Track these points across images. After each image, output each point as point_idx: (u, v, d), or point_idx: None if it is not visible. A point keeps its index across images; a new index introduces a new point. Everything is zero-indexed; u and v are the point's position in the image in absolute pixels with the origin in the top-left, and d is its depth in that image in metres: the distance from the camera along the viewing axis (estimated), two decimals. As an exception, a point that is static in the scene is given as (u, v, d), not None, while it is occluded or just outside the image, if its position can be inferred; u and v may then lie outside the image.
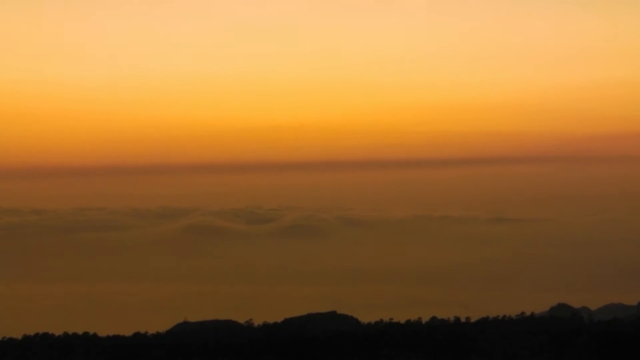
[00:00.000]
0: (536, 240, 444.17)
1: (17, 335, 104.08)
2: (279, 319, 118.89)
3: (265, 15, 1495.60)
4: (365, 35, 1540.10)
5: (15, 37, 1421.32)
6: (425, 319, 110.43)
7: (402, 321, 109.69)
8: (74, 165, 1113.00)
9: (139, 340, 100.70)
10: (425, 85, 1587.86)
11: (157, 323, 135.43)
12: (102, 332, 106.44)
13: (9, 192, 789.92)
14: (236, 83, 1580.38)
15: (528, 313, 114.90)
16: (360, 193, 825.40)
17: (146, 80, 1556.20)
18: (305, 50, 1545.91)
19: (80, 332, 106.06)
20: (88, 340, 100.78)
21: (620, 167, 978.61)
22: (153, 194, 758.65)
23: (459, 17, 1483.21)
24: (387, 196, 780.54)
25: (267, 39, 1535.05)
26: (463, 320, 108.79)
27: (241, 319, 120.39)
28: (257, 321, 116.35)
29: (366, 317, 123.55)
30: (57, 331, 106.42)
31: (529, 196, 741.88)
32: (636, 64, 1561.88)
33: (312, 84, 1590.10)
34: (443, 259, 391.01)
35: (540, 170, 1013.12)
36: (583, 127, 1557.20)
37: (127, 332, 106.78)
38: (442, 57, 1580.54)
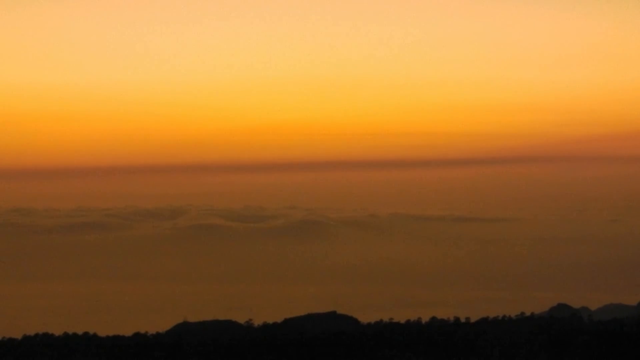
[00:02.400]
0: (532, 240, 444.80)
1: (17, 335, 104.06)
2: (279, 319, 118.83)
3: (266, 17, 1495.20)
4: (364, 37, 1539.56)
5: (18, 39, 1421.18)
6: (425, 319, 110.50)
7: (402, 321, 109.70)
8: (75, 165, 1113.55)
9: (139, 340, 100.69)
10: (425, 85, 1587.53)
11: (157, 323, 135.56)
12: (102, 332, 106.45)
13: (13, 191, 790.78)
14: (237, 84, 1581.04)
15: (528, 313, 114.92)
16: (361, 193, 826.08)
17: (147, 82, 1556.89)
18: (306, 51, 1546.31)
19: (80, 332, 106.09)
20: (88, 340, 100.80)
21: (620, 167, 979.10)
22: (153, 194, 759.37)
23: (460, 18, 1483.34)
24: (387, 196, 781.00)
25: (266, 39, 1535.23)
26: (463, 320, 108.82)
27: (241, 319, 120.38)
28: (257, 321, 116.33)
29: (366, 317, 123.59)
30: (57, 331, 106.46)
31: (526, 196, 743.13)
32: (636, 65, 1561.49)
33: (312, 85, 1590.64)
34: (442, 259, 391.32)
35: (539, 171, 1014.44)
36: (584, 128, 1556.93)
37: (127, 332, 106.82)
38: (439, 58, 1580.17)
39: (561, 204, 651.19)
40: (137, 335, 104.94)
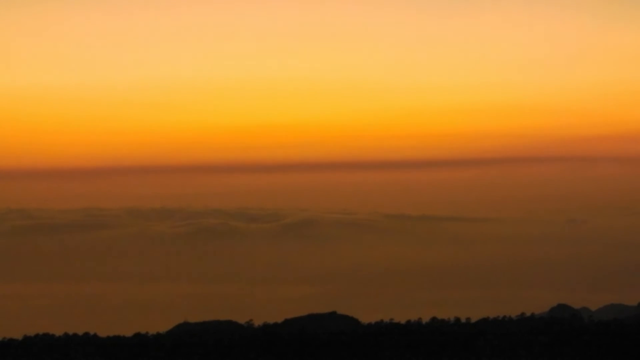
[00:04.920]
0: (531, 240, 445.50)
1: (18, 335, 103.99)
2: (279, 319, 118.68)
3: (267, 18, 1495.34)
4: (364, 38, 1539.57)
5: (19, 40, 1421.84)
6: (425, 319, 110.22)
7: (402, 321, 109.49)
8: (74, 166, 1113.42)
9: (139, 340, 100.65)
10: (425, 86, 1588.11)
11: (157, 323, 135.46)
12: (102, 333, 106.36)
13: (14, 192, 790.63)
14: (237, 84, 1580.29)
15: (528, 313, 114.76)
16: (361, 194, 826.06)
17: (148, 82, 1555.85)
18: (305, 51, 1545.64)
19: (80, 332, 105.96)
20: (88, 341, 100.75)
21: (620, 167, 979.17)
22: (153, 194, 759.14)
23: (458, 18, 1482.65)
24: (387, 197, 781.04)
25: (266, 40, 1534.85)
26: (463, 320, 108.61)
27: (241, 319, 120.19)
28: (257, 321, 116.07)
29: (366, 317, 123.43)
30: (57, 331, 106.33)
31: (524, 196, 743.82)
32: (636, 65, 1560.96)
33: (312, 86, 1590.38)
34: (441, 259, 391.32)
35: (530, 171, 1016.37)
36: (583, 128, 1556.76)
37: (127, 332, 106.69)
38: (437, 58, 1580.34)
39: (556, 205, 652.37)
40: (137, 335, 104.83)
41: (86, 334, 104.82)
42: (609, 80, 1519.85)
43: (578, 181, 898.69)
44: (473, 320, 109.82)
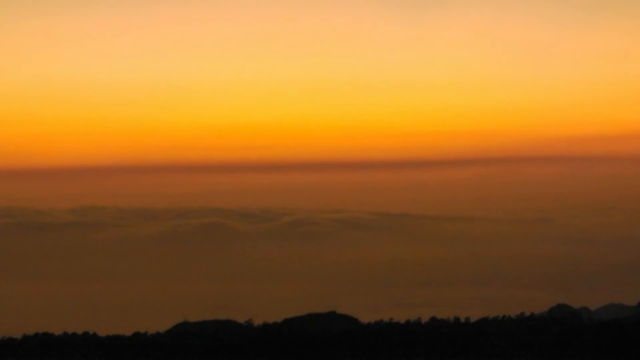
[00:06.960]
0: (530, 240, 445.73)
1: (17, 335, 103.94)
2: (279, 319, 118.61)
3: (265, 19, 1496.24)
4: (354, 38, 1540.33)
5: (17, 38, 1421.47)
6: (425, 319, 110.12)
7: (402, 321, 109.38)
8: (75, 165, 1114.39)
9: (139, 340, 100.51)
10: (424, 86, 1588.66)
11: (157, 323, 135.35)
12: (102, 332, 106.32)
13: (11, 191, 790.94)
14: (238, 84, 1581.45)
15: (528, 313, 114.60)
16: (360, 194, 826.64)
17: (145, 82, 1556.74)
18: (300, 53, 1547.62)
19: (79, 332, 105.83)
20: (87, 340, 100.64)
21: (619, 167, 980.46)
22: (153, 194, 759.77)
23: (457, 17, 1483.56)
24: (387, 196, 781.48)
25: (263, 41, 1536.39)
26: (463, 320, 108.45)
27: (241, 319, 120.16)
28: (257, 321, 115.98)
29: (366, 317, 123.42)
30: (57, 331, 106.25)
31: (523, 196, 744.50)
32: (635, 64, 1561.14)
33: (313, 86, 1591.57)
34: (440, 258, 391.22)
35: (535, 171, 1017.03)
36: (581, 128, 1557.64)
37: (127, 332, 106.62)
38: (436, 57, 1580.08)
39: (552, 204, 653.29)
40: (137, 335, 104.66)
41: (86, 334, 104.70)
42: (597, 80, 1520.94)
43: (576, 181, 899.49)
44: (473, 320, 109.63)
